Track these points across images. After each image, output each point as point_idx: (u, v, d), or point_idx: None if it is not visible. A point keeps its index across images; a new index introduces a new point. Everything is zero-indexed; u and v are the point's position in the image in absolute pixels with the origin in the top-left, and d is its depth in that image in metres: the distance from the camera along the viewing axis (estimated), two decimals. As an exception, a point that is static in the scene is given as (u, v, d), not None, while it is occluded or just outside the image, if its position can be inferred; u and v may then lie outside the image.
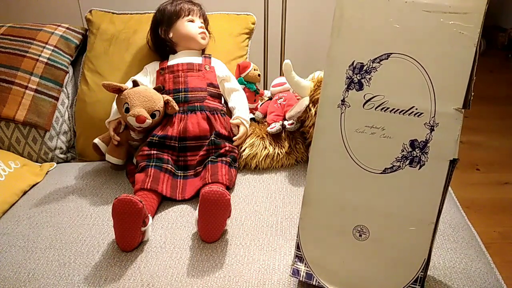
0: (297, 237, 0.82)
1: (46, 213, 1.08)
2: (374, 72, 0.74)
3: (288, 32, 1.83)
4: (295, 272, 0.82)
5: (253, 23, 1.51)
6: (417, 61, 0.71)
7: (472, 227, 1.01)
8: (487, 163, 2.11)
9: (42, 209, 1.10)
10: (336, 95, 0.77)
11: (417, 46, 0.72)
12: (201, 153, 1.16)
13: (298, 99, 1.23)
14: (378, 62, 0.74)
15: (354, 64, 0.75)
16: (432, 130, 0.71)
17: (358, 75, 0.75)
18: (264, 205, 1.07)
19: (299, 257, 0.82)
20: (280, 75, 1.74)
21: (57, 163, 1.36)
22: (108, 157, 1.21)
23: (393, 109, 0.73)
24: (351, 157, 0.76)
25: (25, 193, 1.19)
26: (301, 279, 0.81)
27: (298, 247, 0.82)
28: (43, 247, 0.96)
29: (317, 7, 1.98)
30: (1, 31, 1.41)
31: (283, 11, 1.76)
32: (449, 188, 1.13)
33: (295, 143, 1.24)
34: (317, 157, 0.80)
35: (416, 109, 0.72)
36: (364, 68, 0.75)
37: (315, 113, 1.13)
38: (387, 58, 0.73)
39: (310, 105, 1.14)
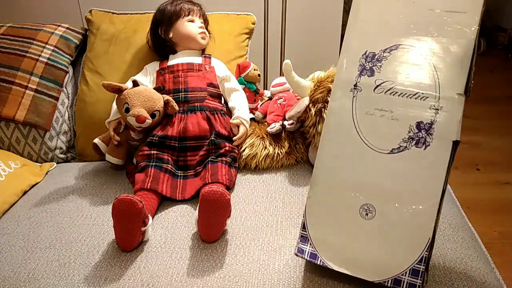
0: (303, 217, 0.85)
1: (46, 213, 1.08)
2: (385, 60, 0.81)
3: (288, 32, 1.83)
4: (300, 251, 0.84)
5: (253, 23, 1.51)
6: (423, 52, 0.79)
7: (472, 227, 1.01)
8: (487, 163, 2.11)
9: (42, 209, 1.10)
10: (349, 80, 0.83)
11: (423, 39, 0.79)
12: (201, 153, 1.16)
13: (298, 99, 1.23)
14: (388, 52, 0.81)
15: (367, 54, 0.83)
16: (436, 112, 0.76)
17: (370, 63, 0.82)
18: (264, 205, 1.07)
19: (304, 237, 0.84)
20: (280, 75, 1.74)
21: (57, 163, 1.36)
22: (108, 157, 1.21)
23: (401, 93, 0.79)
24: (361, 138, 0.81)
25: (25, 193, 1.19)
26: (305, 258, 0.83)
27: (304, 227, 0.84)
28: (43, 247, 0.96)
29: (317, 7, 1.98)
30: (1, 31, 1.41)
31: (283, 11, 1.76)
32: (449, 188, 1.13)
33: (295, 143, 1.24)
34: (328, 137, 0.84)
35: (422, 93, 0.77)
36: (376, 57, 0.82)
37: (315, 113, 1.14)
38: (396, 49, 0.81)
39: (310, 105, 1.14)
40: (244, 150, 1.21)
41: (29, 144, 1.36)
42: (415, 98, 0.77)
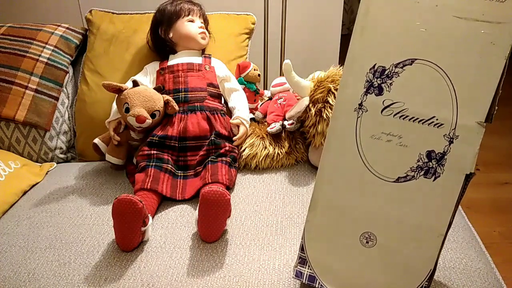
0: (302, 239, 0.82)
1: (46, 213, 1.08)
2: (396, 77, 0.71)
3: (288, 32, 1.83)
4: (298, 274, 0.82)
5: (253, 23, 1.51)
6: (442, 70, 0.68)
7: (472, 227, 1.01)
8: (487, 163, 2.11)
9: (42, 209, 1.10)
10: (354, 98, 0.74)
11: (444, 53, 0.68)
12: (201, 153, 1.16)
13: (298, 99, 1.23)
14: (401, 67, 0.71)
15: (376, 68, 0.72)
16: (451, 142, 0.69)
17: (379, 79, 0.72)
18: (264, 205, 1.07)
19: (302, 259, 0.81)
20: (280, 75, 1.74)
21: (57, 163, 1.36)
22: (108, 157, 1.21)
23: (413, 117, 0.71)
24: (364, 163, 0.74)
25: (25, 193, 1.19)
26: (303, 281, 0.81)
27: (302, 249, 0.82)
28: (43, 247, 0.96)
29: (317, 7, 1.98)
30: (1, 31, 1.41)
31: (283, 11, 1.76)
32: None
33: (295, 143, 1.24)
34: (329, 160, 0.78)
35: (437, 119, 0.69)
36: (386, 72, 0.72)
37: (315, 113, 1.14)
38: (411, 64, 0.70)
39: (310, 105, 1.14)
40: (244, 150, 1.21)
41: (29, 144, 1.36)
42: (428, 124, 0.69)
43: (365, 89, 0.73)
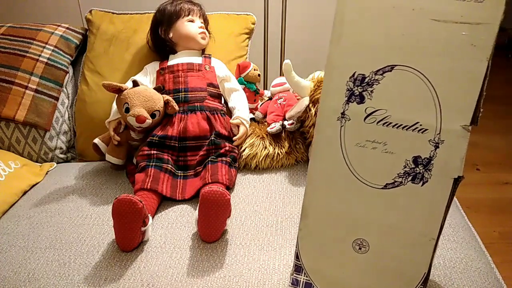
0: (296, 247, 0.82)
1: (46, 213, 1.08)
2: (377, 84, 0.70)
3: (288, 32, 1.83)
4: (294, 282, 0.82)
5: (253, 23, 1.51)
6: (423, 75, 0.67)
7: (472, 227, 1.01)
8: (487, 163, 2.11)
9: (42, 209, 1.10)
10: (336, 107, 0.73)
11: (424, 58, 0.67)
12: (201, 153, 1.17)
13: (298, 99, 1.23)
14: (381, 74, 0.69)
15: (355, 76, 0.71)
16: (436, 147, 0.68)
17: (360, 87, 0.71)
18: (264, 205, 1.07)
19: (298, 267, 0.82)
20: (280, 75, 1.74)
21: (57, 163, 1.36)
22: (108, 157, 1.21)
23: (396, 124, 0.70)
24: (351, 171, 0.74)
25: (25, 193, 1.19)
26: None
27: (297, 256, 0.82)
28: (43, 247, 0.96)
29: (317, 7, 1.98)
30: (1, 31, 1.41)
31: (283, 11, 1.76)
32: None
33: (295, 143, 1.24)
34: (316, 169, 0.78)
35: (421, 125, 0.68)
36: (366, 80, 0.70)
37: (315, 113, 1.14)
38: (390, 70, 0.69)
39: (310, 105, 1.15)
40: (244, 150, 1.21)
41: (29, 144, 1.36)
42: (412, 130, 0.69)
43: (346, 98, 0.72)
